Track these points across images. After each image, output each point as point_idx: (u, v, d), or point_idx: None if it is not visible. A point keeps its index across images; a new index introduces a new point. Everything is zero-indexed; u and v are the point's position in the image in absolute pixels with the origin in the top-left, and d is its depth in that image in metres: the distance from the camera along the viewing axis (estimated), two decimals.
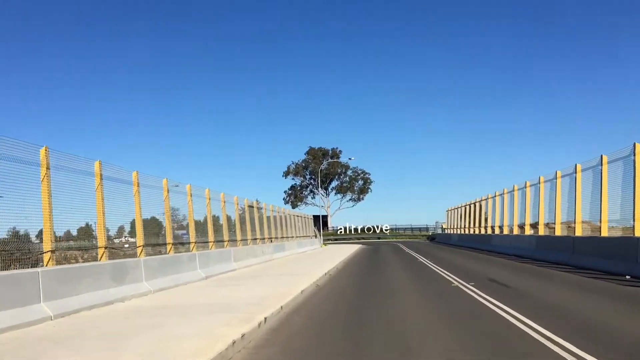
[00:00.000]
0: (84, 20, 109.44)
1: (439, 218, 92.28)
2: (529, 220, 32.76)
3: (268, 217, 36.17)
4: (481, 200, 43.25)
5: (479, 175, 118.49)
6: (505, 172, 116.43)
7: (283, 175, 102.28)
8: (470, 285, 15.13)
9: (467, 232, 46.87)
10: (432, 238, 60.18)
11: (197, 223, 21.84)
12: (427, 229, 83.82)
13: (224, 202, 26.41)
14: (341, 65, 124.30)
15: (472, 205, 45.56)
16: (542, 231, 29.77)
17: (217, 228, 25.18)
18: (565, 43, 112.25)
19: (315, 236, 55.81)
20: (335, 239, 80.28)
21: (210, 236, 23.59)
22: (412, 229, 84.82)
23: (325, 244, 59.90)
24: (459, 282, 16.01)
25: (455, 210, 51.75)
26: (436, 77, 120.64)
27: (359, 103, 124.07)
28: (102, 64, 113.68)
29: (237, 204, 28.90)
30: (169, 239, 18.83)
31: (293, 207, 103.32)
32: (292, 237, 44.30)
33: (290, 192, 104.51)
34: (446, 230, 57.57)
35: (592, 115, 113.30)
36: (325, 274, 20.90)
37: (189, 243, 21.10)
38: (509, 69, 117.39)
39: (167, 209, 18.79)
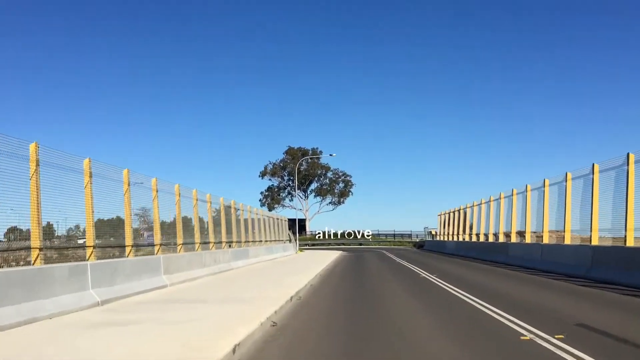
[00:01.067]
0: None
1: (424, 224, 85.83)
2: (547, 227, 26.21)
3: (239, 218, 29.04)
4: (486, 202, 36.51)
5: (466, 182, 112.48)
6: (494, 178, 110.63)
7: (259, 176, 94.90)
8: (564, 343, 7.67)
9: (464, 239, 40.01)
10: (420, 245, 53.60)
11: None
12: (410, 235, 77.17)
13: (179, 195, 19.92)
14: (323, 64, 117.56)
15: (472, 209, 38.76)
16: (568, 239, 23.14)
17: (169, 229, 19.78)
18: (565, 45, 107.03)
19: (290, 240, 48.59)
20: (313, 244, 73.11)
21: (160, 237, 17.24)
22: (395, 235, 78.08)
23: (301, 250, 52.72)
24: (533, 334, 8.37)
25: (449, 214, 44.93)
26: (424, 78, 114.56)
27: (341, 103, 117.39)
28: (82, 57, 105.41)
29: (196, 200, 22.33)
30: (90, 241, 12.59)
31: (270, 210, 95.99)
32: (260, 241, 37.06)
33: (267, 193, 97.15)
34: (437, 237, 50.81)
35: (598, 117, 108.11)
36: (294, 296, 13.80)
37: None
38: (504, 68, 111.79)
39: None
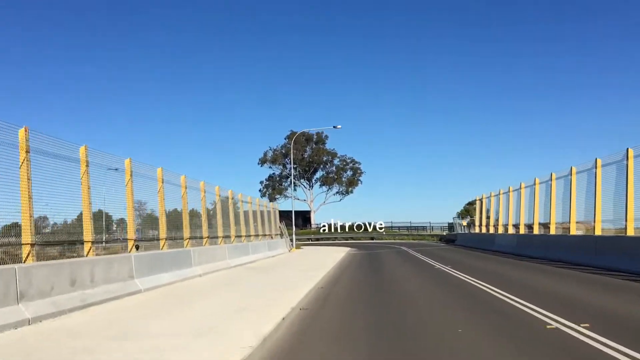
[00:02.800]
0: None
1: (445, 215, 73.74)
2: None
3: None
4: (545, 182, 23.97)
5: (485, 172, 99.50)
6: (518, 168, 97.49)
7: (259, 163, 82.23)
8: None
9: (527, 231, 26.94)
10: (450, 239, 40.79)
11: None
12: (429, 227, 64.57)
13: None
14: (329, 41, 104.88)
15: (529, 189, 26.03)
16: None
17: None
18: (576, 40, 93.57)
19: (282, 235, 36.15)
20: (317, 239, 60.77)
21: None
22: (411, 227, 65.48)
23: (299, 247, 40.37)
24: None
25: (495, 197, 31.91)
26: (439, 60, 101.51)
27: (350, 84, 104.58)
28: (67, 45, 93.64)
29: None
30: None
31: (271, 200, 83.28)
32: (230, 236, 24.79)
33: (267, 182, 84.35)
34: (474, 229, 38.11)
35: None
36: None
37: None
38: (521, 59, 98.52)
39: None
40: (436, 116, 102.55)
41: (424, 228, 65.38)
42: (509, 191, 29.98)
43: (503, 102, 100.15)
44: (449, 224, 67.09)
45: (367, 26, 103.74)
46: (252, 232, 27.99)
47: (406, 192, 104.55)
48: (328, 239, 59.97)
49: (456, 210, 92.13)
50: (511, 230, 28.48)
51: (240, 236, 27.61)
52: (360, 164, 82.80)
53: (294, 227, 41.41)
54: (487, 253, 27.05)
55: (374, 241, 55.12)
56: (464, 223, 40.92)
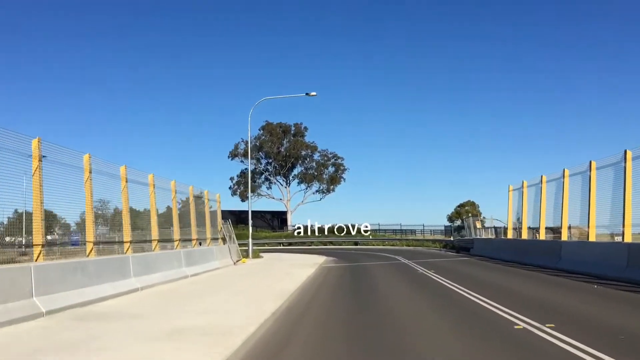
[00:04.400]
0: None
1: (432, 218, 63.31)
2: None
3: None
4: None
5: (477, 175, 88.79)
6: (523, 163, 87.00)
7: (229, 157, 70.11)
8: None
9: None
10: (463, 247, 28.61)
11: None
12: (422, 231, 53.48)
13: None
14: (306, 26, 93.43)
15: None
16: None
17: None
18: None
19: (224, 240, 24.39)
20: (290, 244, 49.19)
21: None
22: (402, 231, 54.28)
23: (257, 255, 28.82)
24: None
25: (555, 182, 19.59)
26: (431, 48, 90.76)
27: (331, 72, 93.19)
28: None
29: None
30: None
31: (242, 200, 71.48)
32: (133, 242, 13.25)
33: (239, 179, 71.92)
34: (508, 233, 24.82)
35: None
36: None
37: None
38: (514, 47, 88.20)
39: None
40: (427, 113, 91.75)
41: (413, 232, 54.40)
42: (564, 176, 18.67)
43: (497, 102, 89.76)
44: (447, 226, 55.95)
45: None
46: (155, 236, 16.35)
47: (393, 192, 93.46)
48: (303, 243, 48.44)
49: (446, 213, 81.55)
50: (575, 235, 17.20)
51: (144, 241, 16.30)
52: (343, 159, 71.29)
53: (250, 229, 29.82)
54: (569, 276, 15.01)
55: (359, 247, 43.68)
56: (479, 224, 29.65)
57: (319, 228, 52.12)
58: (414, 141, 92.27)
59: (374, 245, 42.87)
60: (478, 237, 27.76)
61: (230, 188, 73.07)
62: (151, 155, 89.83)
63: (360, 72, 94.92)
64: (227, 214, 75.92)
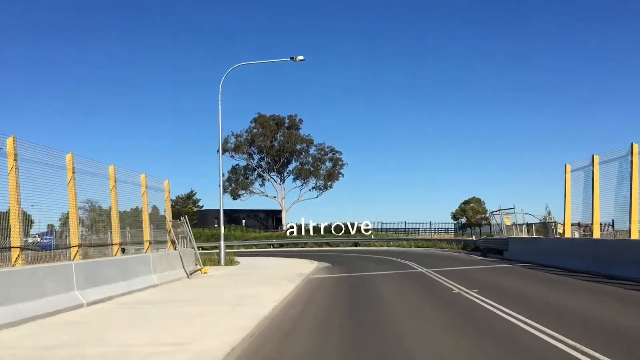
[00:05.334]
0: None
1: (433, 216, 56.93)
2: None
3: None
4: None
5: (480, 171, 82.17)
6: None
7: (218, 152, 63.12)
8: None
9: None
10: (493, 249, 21.30)
11: None
12: (432, 229, 47.13)
13: None
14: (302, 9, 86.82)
15: None
16: None
17: None
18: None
19: (174, 244, 17.66)
20: (281, 245, 42.65)
21: None
22: (407, 229, 47.81)
23: (231, 261, 22.35)
24: None
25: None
26: (439, 50, 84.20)
27: (326, 60, 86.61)
28: None
29: None
30: None
31: (234, 198, 64.84)
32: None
33: (231, 175, 65.15)
34: (565, 231, 17.56)
35: None
36: None
37: None
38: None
39: None
40: (429, 105, 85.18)
41: (417, 230, 48.03)
42: None
43: (501, 96, 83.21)
44: (457, 224, 49.53)
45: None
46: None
47: (393, 189, 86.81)
48: (296, 244, 41.95)
49: (450, 211, 75.07)
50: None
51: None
52: (341, 153, 64.52)
53: (222, 228, 23.30)
54: None
55: (359, 249, 37.14)
56: (507, 221, 23.02)
57: (314, 227, 45.61)
58: (415, 135, 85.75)
59: (376, 246, 36.47)
60: (513, 236, 21.13)
61: (219, 186, 66.04)
62: (138, 151, 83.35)
63: (359, 60, 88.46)
64: (217, 213, 69.72)
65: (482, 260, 19.90)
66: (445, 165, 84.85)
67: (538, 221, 22.12)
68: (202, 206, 79.72)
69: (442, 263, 19.78)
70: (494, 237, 22.56)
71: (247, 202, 65.44)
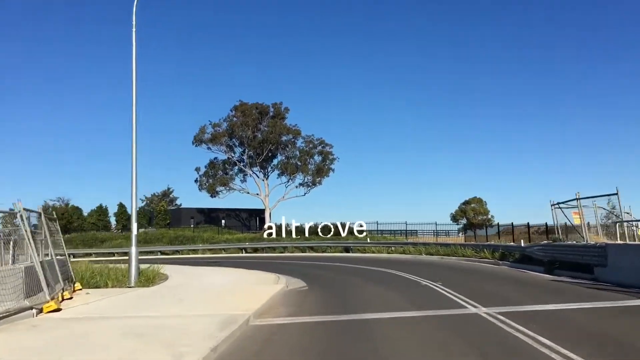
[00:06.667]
0: None
1: (430, 217, 49.30)
2: None
3: None
4: None
5: (478, 171, 73.73)
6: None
7: (193, 143, 54.09)
8: None
9: None
10: (569, 265, 12.38)
11: None
12: (437, 231, 38.54)
13: None
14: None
15: None
16: None
17: None
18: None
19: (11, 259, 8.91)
20: (255, 249, 33.69)
21: None
22: (408, 232, 39.08)
23: (154, 277, 13.55)
24: None
25: None
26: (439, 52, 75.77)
27: (317, 47, 77.85)
28: None
29: None
30: None
31: (212, 195, 55.67)
32: None
33: (208, 170, 55.72)
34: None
35: None
36: None
37: None
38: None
39: None
40: (425, 99, 76.71)
41: (414, 233, 39.45)
42: None
43: (498, 98, 74.97)
44: (465, 225, 41.08)
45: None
46: None
47: (387, 188, 78.03)
48: (274, 249, 33.03)
49: (449, 212, 66.63)
50: None
51: None
52: (332, 147, 55.46)
53: (134, 230, 14.16)
54: None
55: (351, 256, 28.27)
56: (576, 218, 14.62)
57: (297, 228, 36.78)
58: (411, 132, 77.18)
59: (373, 252, 27.65)
60: (617, 242, 12.46)
61: (196, 181, 56.78)
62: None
63: (352, 48, 79.88)
64: (194, 212, 60.80)
65: (568, 285, 11.07)
66: (444, 163, 76.35)
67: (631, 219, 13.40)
68: (180, 205, 70.97)
69: (499, 290, 11.02)
70: (566, 243, 13.68)
71: (229, 200, 56.69)
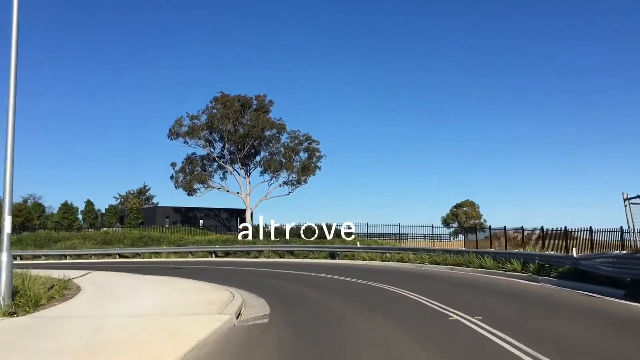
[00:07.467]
0: None
1: (424, 220, 46.28)
2: None
3: None
4: None
5: (472, 173, 69.52)
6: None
7: (169, 136, 48.60)
8: None
9: None
10: None
11: None
12: (430, 236, 33.81)
13: None
14: None
15: None
16: None
17: None
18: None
19: None
20: (227, 253, 28.68)
21: None
22: (400, 235, 34.38)
23: (58, 291, 8.86)
24: None
25: None
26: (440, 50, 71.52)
27: (305, 40, 73.10)
28: None
29: None
30: None
31: (189, 193, 50.35)
32: None
33: (185, 166, 50.24)
34: None
35: None
36: None
37: None
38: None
39: None
40: (420, 101, 72.40)
41: (407, 237, 34.81)
42: None
43: (495, 102, 70.98)
44: (456, 230, 36.57)
45: None
46: None
47: (375, 188, 73.38)
48: (248, 253, 27.97)
49: (440, 215, 62.31)
50: None
51: None
52: (318, 143, 50.31)
53: (9, 224, 9.05)
54: None
55: (338, 263, 23.41)
56: None
57: (277, 229, 31.79)
58: (401, 130, 72.77)
59: (364, 259, 22.72)
60: None
61: (172, 177, 51.06)
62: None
63: (341, 43, 75.30)
64: (170, 211, 55.33)
65: None
66: (435, 165, 72.00)
67: None
68: (157, 203, 65.72)
69: (595, 338, 6.27)
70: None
71: (208, 199, 51.48)
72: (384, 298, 10.44)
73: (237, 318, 8.07)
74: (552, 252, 13.67)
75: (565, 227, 20.16)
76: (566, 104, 71.06)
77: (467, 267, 16.14)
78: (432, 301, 9.42)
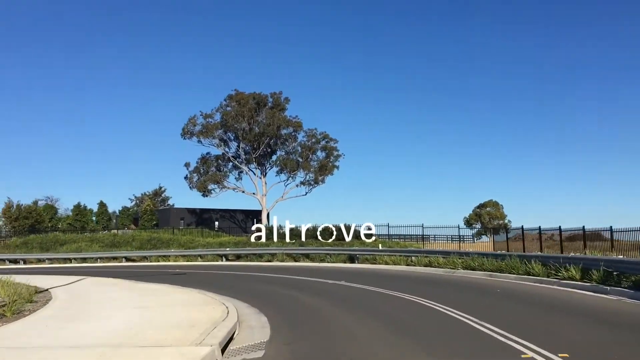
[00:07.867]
0: None
1: (444, 221, 43.51)
2: None
3: None
4: None
5: (494, 173, 66.30)
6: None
7: (182, 136, 46.73)
8: None
9: None
10: None
11: None
12: (457, 237, 31.20)
13: None
14: None
15: None
16: None
17: None
18: None
19: None
20: (238, 256, 26.52)
21: None
22: (424, 236, 31.80)
23: (29, 299, 6.39)
24: None
25: None
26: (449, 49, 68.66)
27: (322, 36, 70.85)
28: None
29: None
30: None
31: (203, 194, 48.28)
32: None
33: (199, 166, 48.34)
34: None
35: None
36: None
37: None
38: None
39: None
40: (442, 98, 69.57)
41: (427, 238, 32.19)
42: None
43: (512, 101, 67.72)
44: (478, 230, 34.06)
45: None
46: None
47: (396, 189, 70.64)
48: (260, 256, 25.72)
49: (463, 215, 59.55)
50: None
51: None
52: (336, 142, 47.84)
53: None
54: None
55: (358, 267, 21.00)
56: None
57: (292, 231, 29.51)
58: (422, 129, 69.95)
59: (386, 263, 20.29)
60: None
61: (186, 178, 49.04)
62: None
63: (362, 40, 72.87)
64: (184, 213, 53.36)
65: None
66: (456, 165, 68.96)
67: None
68: (173, 205, 64.17)
69: None
70: None
71: (223, 200, 49.36)
72: (421, 318, 8.05)
73: (223, 349, 5.80)
74: (620, 257, 11.11)
75: (611, 226, 17.43)
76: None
77: (509, 273, 13.62)
78: (488, 325, 7.01)
